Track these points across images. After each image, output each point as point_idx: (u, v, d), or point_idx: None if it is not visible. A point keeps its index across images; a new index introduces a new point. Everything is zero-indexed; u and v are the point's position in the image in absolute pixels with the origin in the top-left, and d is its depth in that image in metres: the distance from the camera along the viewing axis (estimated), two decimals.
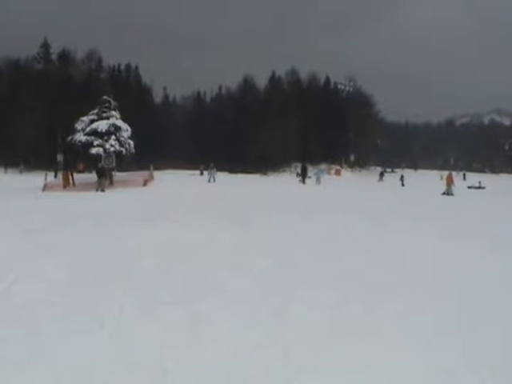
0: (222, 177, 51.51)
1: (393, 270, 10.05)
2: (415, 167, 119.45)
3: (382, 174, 68.76)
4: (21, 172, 75.05)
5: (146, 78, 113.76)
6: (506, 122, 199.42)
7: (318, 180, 53.31)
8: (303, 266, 10.16)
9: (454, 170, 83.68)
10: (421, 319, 6.97)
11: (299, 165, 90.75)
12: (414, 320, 6.95)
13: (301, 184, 49.16)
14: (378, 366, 5.42)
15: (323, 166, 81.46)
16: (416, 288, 8.62)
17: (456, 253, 12.08)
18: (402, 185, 55.30)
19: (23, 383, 4.94)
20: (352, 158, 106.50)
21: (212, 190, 33.67)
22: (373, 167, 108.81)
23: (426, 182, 61.15)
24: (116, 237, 13.49)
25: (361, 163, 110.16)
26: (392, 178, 79.69)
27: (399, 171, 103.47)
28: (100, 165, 35.78)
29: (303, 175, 50.67)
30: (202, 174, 63.35)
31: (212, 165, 49.81)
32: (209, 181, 44.96)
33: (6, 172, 74.99)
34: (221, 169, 73.46)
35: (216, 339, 6.10)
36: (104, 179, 34.28)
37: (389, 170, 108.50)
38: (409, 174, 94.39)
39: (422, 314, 7.19)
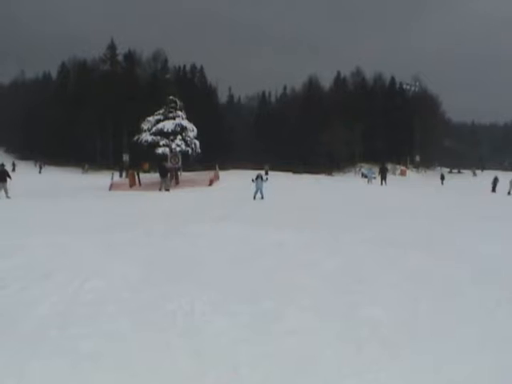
0: (281, 179, 48.85)
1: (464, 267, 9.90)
2: (482, 168, 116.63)
3: (442, 177, 64.86)
4: (86, 172, 76.39)
5: (211, 78, 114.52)
6: None
7: (369, 180, 53.06)
8: (371, 265, 10.13)
9: None
10: (494, 322, 6.78)
11: (364, 165, 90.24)
12: (487, 321, 6.79)
13: (370, 184, 48.61)
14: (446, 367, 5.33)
15: (389, 166, 79.89)
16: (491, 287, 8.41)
17: None
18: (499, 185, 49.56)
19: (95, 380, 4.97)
20: (417, 158, 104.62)
21: (279, 188, 33.25)
22: (438, 168, 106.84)
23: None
24: (185, 235, 13.60)
25: (426, 164, 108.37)
26: (457, 179, 78.49)
27: (466, 172, 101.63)
28: (163, 164, 35.87)
29: (383, 177, 49.17)
30: (266, 173, 62.61)
31: (261, 174, 28.57)
32: (254, 197, 26.58)
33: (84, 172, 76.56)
34: (284, 169, 73.24)
35: (288, 335, 6.09)
36: (167, 178, 34.35)
37: (455, 170, 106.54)
38: (476, 174, 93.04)
39: (493, 316, 7.02)
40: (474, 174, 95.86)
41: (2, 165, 27.54)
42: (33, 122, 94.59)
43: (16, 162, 76.28)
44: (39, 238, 12.59)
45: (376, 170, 57.81)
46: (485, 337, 6.14)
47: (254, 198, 26.30)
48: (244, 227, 15.01)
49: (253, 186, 26.13)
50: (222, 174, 48.24)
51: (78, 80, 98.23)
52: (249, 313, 6.86)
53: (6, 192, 25.92)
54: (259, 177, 26.65)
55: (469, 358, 5.50)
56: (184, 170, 44.19)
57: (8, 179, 26.35)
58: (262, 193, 26.50)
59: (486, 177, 65.56)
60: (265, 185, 26.20)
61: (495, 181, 46.28)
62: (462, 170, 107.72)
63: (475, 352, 5.68)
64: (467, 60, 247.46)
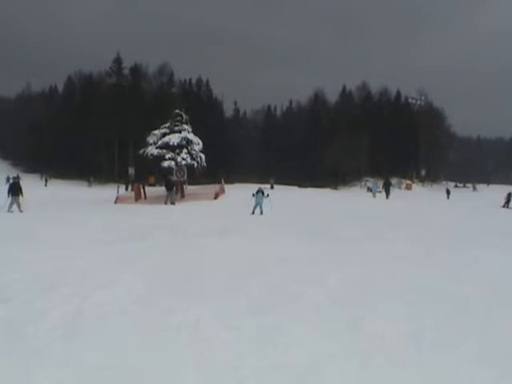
0: (285, 193, 48.77)
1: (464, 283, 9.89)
2: (488, 182, 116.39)
3: (448, 192, 64.01)
4: (92, 185, 76.45)
5: (216, 92, 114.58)
6: None
7: (374, 194, 53.11)
8: (376, 278, 10.14)
9: None
10: (500, 336, 6.75)
11: (370, 179, 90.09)
12: (492, 336, 6.76)
13: (375, 199, 48.61)
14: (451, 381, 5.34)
15: (393, 181, 79.61)
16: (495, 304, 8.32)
17: None
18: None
19: None
20: (423, 172, 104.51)
21: (284, 202, 33.16)
22: (444, 182, 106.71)
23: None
24: (190, 249, 13.62)
25: (432, 178, 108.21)
26: (462, 193, 78.14)
27: (470, 186, 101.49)
28: (169, 177, 35.99)
29: (387, 190, 49.31)
30: (272, 187, 62.52)
31: (262, 188, 27.56)
32: (253, 212, 25.70)
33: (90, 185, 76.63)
34: (290, 183, 73.25)
35: (292, 348, 6.07)
36: (173, 192, 34.33)
37: (460, 184, 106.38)
38: (481, 188, 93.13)
39: (499, 330, 7.01)
40: (474, 189, 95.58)
41: (16, 177, 27.45)
42: (39, 136, 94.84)
43: (21, 175, 76.29)
44: (45, 251, 12.61)
45: (381, 184, 57.84)
46: (490, 351, 6.11)
47: (253, 212, 25.59)
48: (249, 241, 15.04)
49: (252, 201, 25.54)
50: (228, 187, 48.20)
51: (84, 93, 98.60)
52: (254, 326, 6.84)
53: (19, 206, 25.78)
54: (260, 191, 26.05)
55: (474, 373, 5.48)
56: (189, 184, 44.25)
57: (21, 195, 26.00)
58: (261, 208, 25.68)
59: (492, 191, 65.29)
60: (265, 200, 25.51)
61: (509, 196, 44.07)
62: (467, 185, 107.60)
63: (480, 366, 5.66)
64: (472, 74, 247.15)
